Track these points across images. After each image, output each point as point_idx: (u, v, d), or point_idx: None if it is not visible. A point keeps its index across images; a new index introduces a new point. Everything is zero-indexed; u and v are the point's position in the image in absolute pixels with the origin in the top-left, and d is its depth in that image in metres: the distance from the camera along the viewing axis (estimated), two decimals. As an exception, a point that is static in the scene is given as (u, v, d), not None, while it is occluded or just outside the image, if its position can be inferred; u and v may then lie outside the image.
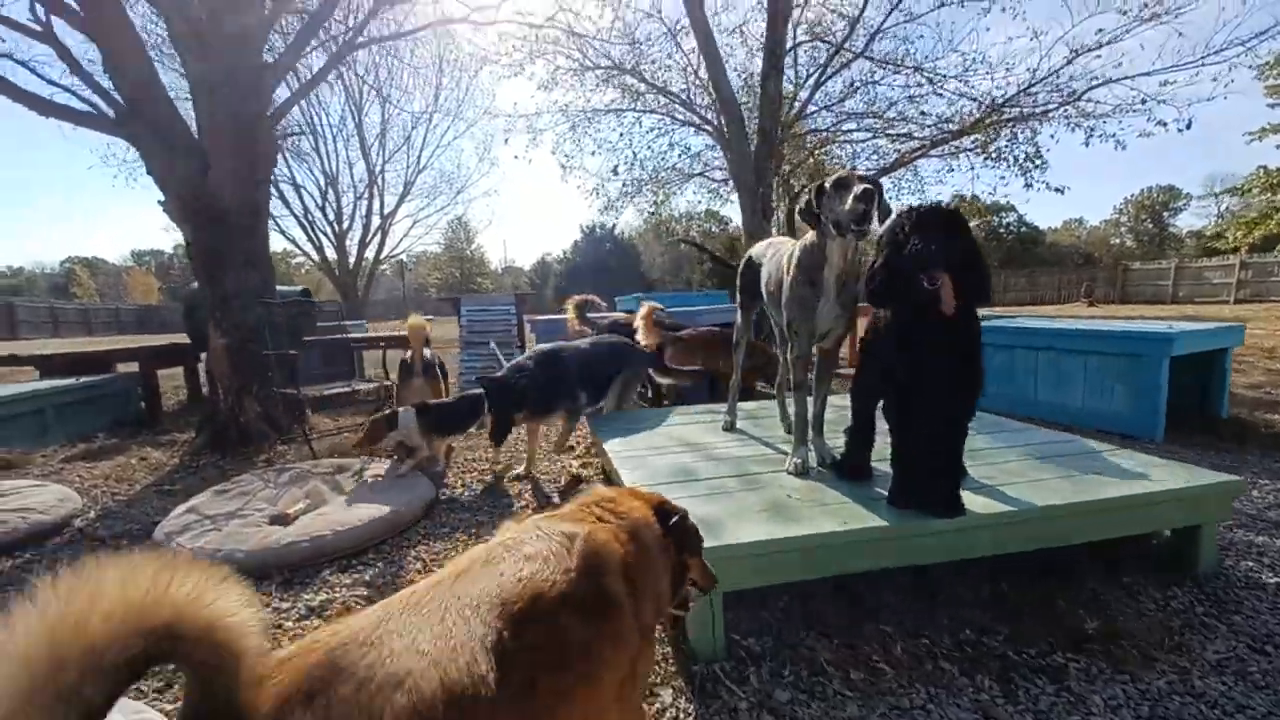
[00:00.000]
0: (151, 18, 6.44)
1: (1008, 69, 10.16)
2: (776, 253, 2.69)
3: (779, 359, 3.24)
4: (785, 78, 9.01)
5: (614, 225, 41.96)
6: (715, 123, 12.67)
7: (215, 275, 4.48)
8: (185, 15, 4.23)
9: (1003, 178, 10.45)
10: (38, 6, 3.90)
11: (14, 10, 4.64)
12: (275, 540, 2.64)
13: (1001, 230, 40.30)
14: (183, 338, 6.55)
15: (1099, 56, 10.14)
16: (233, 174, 4.42)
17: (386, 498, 3.13)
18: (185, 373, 6.81)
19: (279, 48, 5.45)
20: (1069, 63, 10.34)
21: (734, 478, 2.56)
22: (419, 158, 25.17)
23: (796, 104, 11.22)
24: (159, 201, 4.36)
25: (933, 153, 11.47)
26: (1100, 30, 10.32)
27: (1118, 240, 50.26)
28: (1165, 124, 10.37)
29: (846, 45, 9.53)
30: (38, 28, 3.85)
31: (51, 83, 4.20)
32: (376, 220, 24.65)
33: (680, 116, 12.51)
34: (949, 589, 2.20)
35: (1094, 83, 10.27)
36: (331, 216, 23.94)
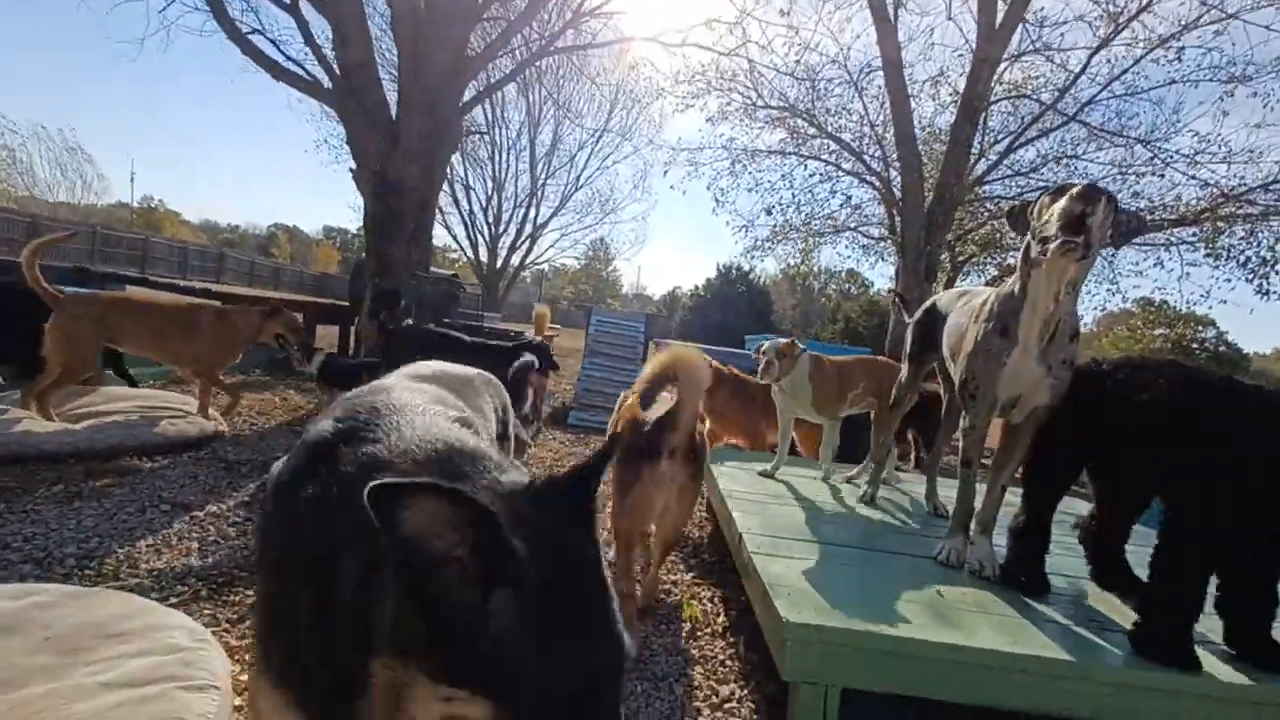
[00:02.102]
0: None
1: (1251, 157, 8.71)
2: (969, 301, 2.27)
3: (940, 422, 2.79)
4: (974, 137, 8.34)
5: (750, 269, 41.71)
6: (882, 175, 12.11)
7: (382, 244, 4.76)
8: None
9: (1228, 279, 8.91)
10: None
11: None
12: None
13: (1194, 346, 34.88)
14: (345, 303, 7.16)
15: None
16: (418, 153, 4.71)
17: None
18: (339, 331, 7.41)
19: (477, 48, 5.82)
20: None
21: (865, 550, 2.16)
22: (579, 176, 26.60)
23: (982, 164, 10.41)
24: (350, 170, 4.74)
25: (1135, 241, 10.10)
26: None
27: None
28: None
29: (1056, 108, 8.67)
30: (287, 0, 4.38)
31: (286, 55, 4.73)
32: (529, 228, 26.28)
33: (846, 167, 12.09)
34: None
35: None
36: (491, 219, 25.85)
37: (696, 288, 49.97)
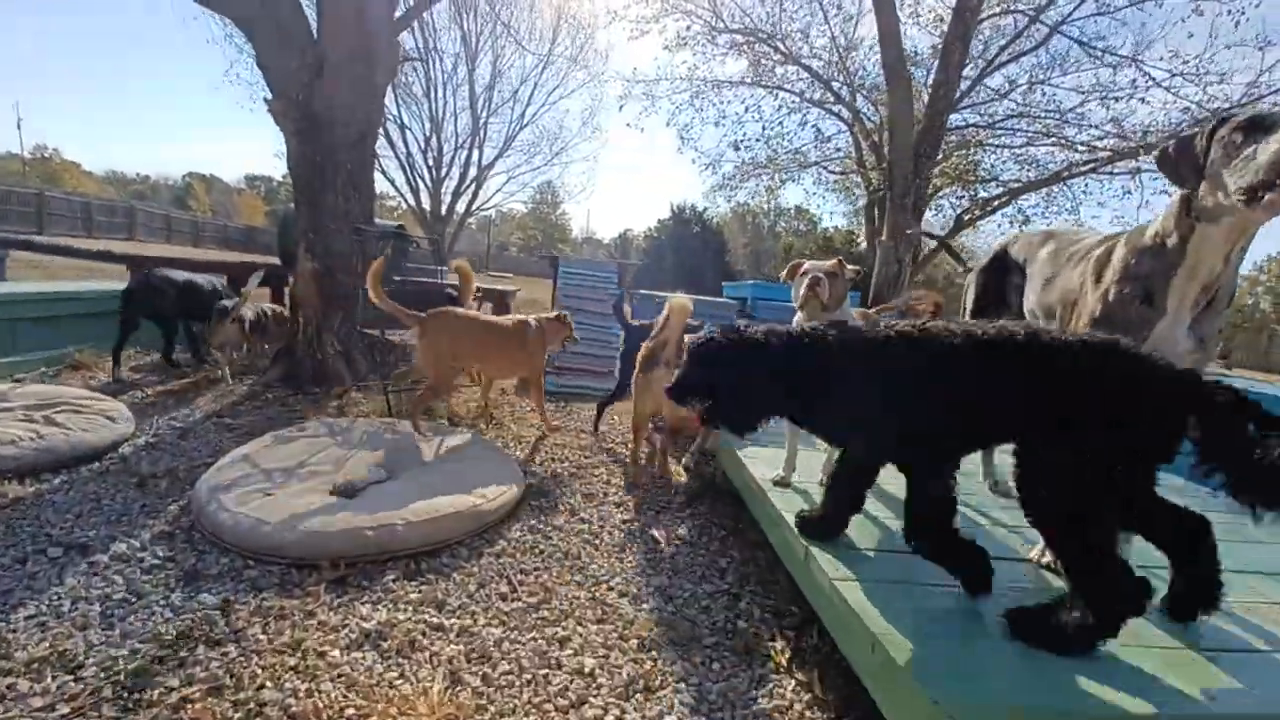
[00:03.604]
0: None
1: (1224, 77, 8.54)
2: (1062, 248, 1.85)
3: None
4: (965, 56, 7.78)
5: (705, 209, 40.80)
6: (851, 104, 11.55)
7: (313, 193, 4.01)
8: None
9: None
10: None
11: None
12: (336, 521, 2.07)
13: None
14: (277, 260, 6.28)
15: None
16: (349, 80, 3.91)
17: (470, 479, 2.54)
18: (271, 295, 6.55)
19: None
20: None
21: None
22: (524, 114, 24.91)
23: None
24: (265, 99, 3.91)
25: (1106, 170, 9.97)
26: None
27: (1251, 299, 44.37)
28: None
29: (1041, 19, 8.21)
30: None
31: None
32: (473, 172, 24.65)
33: (812, 96, 11.46)
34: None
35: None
36: (431, 162, 24.10)
37: (649, 229, 48.87)
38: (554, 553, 2.28)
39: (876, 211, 11.29)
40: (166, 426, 3.16)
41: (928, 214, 13.13)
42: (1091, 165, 10.37)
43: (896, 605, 1.43)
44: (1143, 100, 8.79)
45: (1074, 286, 1.69)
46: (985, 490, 2.39)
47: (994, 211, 11.12)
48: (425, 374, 3.36)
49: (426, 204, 24.54)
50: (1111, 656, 1.30)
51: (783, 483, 2.23)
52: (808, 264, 2.21)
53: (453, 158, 24.60)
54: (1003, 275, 2.10)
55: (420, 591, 1.91)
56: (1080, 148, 10.38)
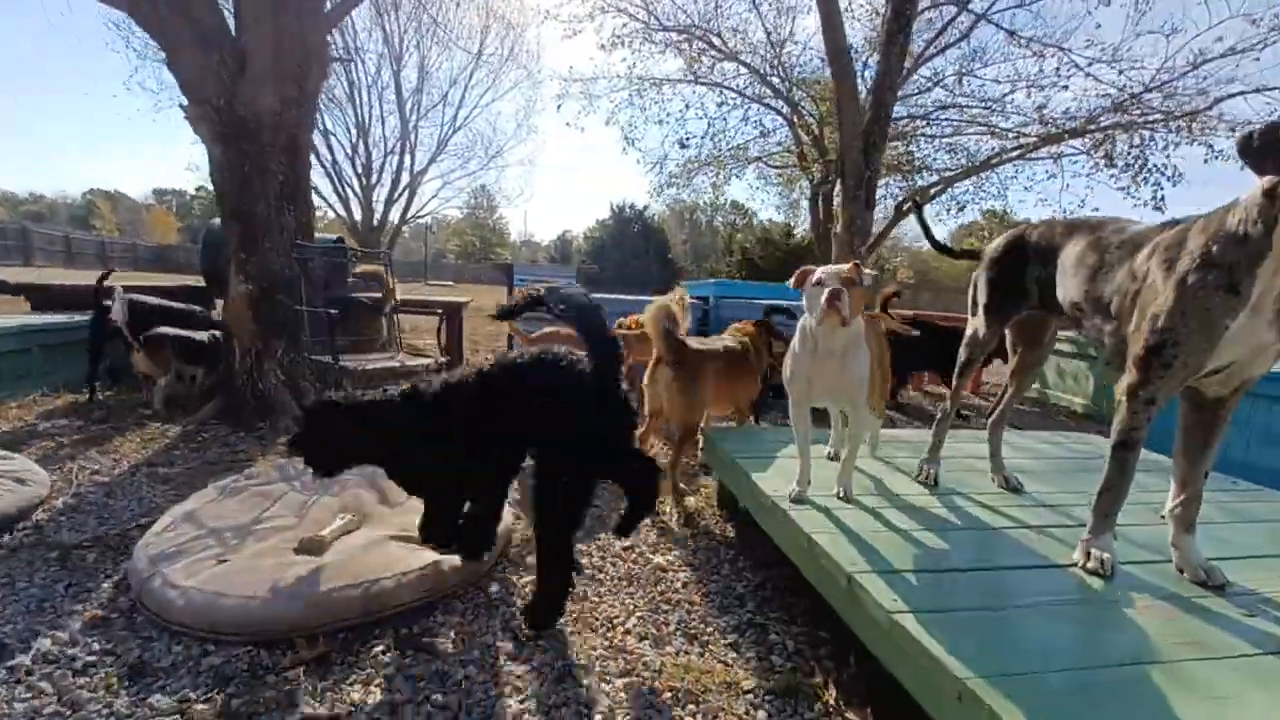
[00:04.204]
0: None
1: (1133, 64, 9.04)
2: (1106, 236, 1.75)
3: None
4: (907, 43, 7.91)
5: (645, 207, 40.77)
6: (790, 98, 11.66)
7: (244, 207, 3.62)
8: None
9: (1124, 187, 9.35)
10: None
11: None
12: (310, 586, 1.80)
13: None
14: (198, 280, 5.73)
15: (1237, 66, 9.05)
16: (275, 81, 3.55)
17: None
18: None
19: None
20: (1195, 67, 9.28)
21: (990, 571, 1.69)
22: (455, 116, 24.17)
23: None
24: (181, 106, 3.50)
25: (1032, 155, 10.42)
26: (1219, 39, 9.22)
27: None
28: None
29: (969, 8, 8.47)
30: None
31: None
32: (406, 178, 23.71)
33: (749, 92, 11.50)
34: None
35: (1230, 92, 9.20)
36: (360, 169, 23.04)
37: (589, 230, 48.54)
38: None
39: (821, 204, 11.44)
40: (89, 483, 2.76)
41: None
42: (1020, 151, 10.82)
43: (969, 640, 1.30)
44: (1065, 88, 9.20)
45: (1135, 275, 1.61)
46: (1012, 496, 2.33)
47: (931, 200, 11.47)
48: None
49: (358, 213, 23.49)
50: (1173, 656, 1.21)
51: (800, 499, 2.09)
52: (820, 272, 1.94)
53: (383, 164, 23.65)
54: (1021, 266, 2.02)
55: (418, 662, 1.67)
56: (1010, 135, 10.81)
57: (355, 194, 23.36)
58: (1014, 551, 1.82)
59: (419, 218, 27.64)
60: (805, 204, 13.50)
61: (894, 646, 1.39)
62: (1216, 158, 9.36)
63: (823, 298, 1.86)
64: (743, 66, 11.04)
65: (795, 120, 11.79)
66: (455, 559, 2.04)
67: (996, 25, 8.84)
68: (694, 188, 13.19)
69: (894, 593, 1.50)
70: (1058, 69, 9.08)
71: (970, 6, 9.14)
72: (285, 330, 3.72)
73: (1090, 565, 1.66)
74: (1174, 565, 1.69)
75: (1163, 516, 1.76)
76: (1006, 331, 2.26)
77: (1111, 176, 9.95)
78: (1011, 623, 1.40)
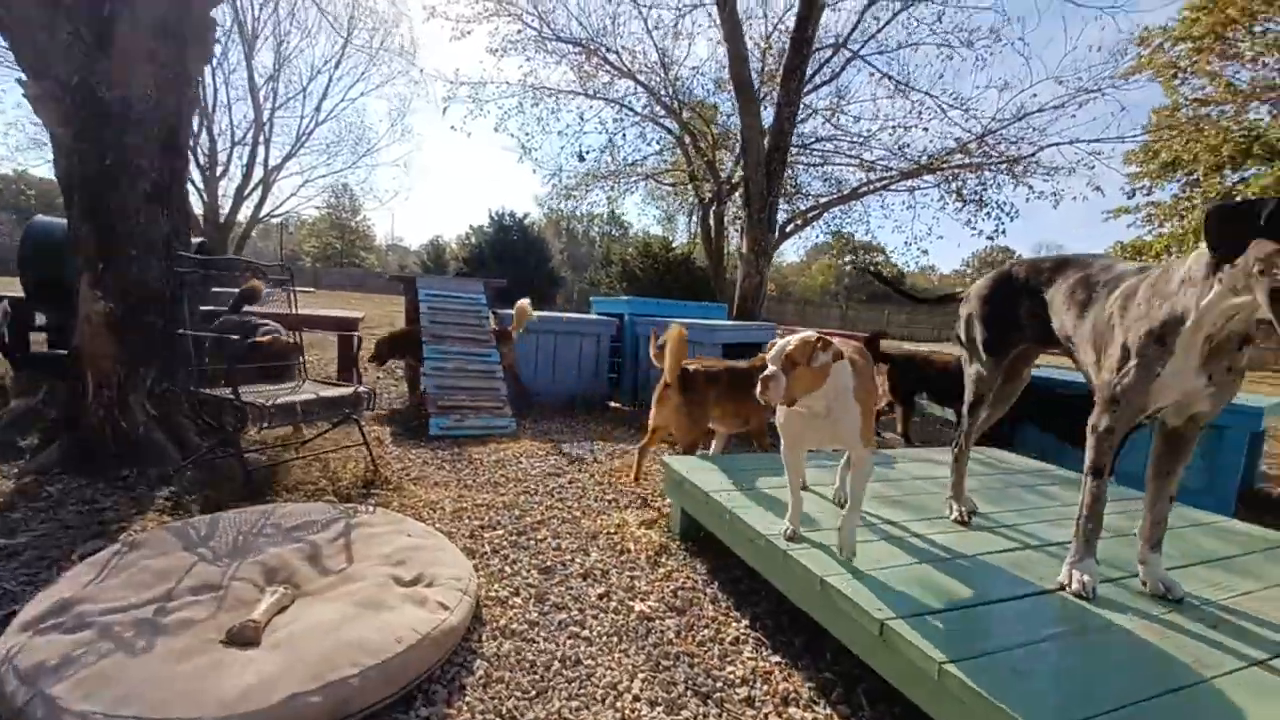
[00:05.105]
0: None
1: (974, 114, 10.34)
2: (1094, 274, 1.90)
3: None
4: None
5: (526, 215, 39.87)
6: (681, 117, 11.98)
7: (103, 208, 2.98)
8: None
9: (968, 221, 10.61)
10: None
11: None
12: (256, 691, 1.46)
13: (872, 269, 42.77)
14: (15, 287, 4.66)
15: (1058, 119, 10.65)
16: (148, 59, 2.97)
17: (407, 573, 2.02)
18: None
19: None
20: (1018, 119, 10.79)
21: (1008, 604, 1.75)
22: (319, 108, 22.26)
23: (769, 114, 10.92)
24: (19, 81, 2.82)
25: (895, 187, 11.54)
26: (1034, 96, 10.87)
27: (960, 290, 54.85)
28: (1100, 189, 11.17)
29: (847, 46, 9.26)
30: None
31: None
32: (260, 172, 21.38)
33: (648, 112, 11.67)
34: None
35: (1045, 143, 10.76)
36: (204, 160, 20.41)
37: (467, 236, 46.58)
38: (548, 663, 1.87)
39: (712, 222, 11.86)
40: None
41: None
42: (884, 183, 11.95)
43: (1022, 684, 1.32)
44: (925, 129, 10.30)
45: (1105, 316, 1.77)
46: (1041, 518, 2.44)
47: (810, 223, 12.31)
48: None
49: (199, 208, 20.80)
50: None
51: (795, 538, 2.06)
52: (773, 346, 1.90)
53: (230, 154, 21.18)
54: (1014, 301, 2.15)
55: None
56: (875, 167, 11.89)
57: (195, 185, 20.70)
58: (1003, 583, 1.90)
59: (273, 216, 25.05)
60: (683, 219, 13.99)
61: (948, 696, 1.38)
62: (1037, 198, 11.00)
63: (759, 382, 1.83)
64: (639, 85, 11.17)
65: (687, 140, 12.14)
66: (428, 628, 1.77)
67: (866, 61, 9.72)
68: (591, 201, 13.13)
69: (932, 639, 1.49)
70: (919, 112, 10.16)
71: (847, 47, 9.96)
72: (158, 357, 3.11)
73: (1075, 588, 1.78)
74: (1140, 579, 1.86)
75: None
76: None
77: (957, 210, 11.28)
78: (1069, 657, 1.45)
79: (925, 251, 11.06)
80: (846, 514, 1.97)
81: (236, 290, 3.61)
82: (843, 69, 11.11)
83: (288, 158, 22.33)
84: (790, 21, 10.23)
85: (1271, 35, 17.81)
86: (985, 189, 10.40)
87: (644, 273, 33.69)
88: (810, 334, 1.90)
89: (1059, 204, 10.71)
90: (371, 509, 2.65)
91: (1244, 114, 19.00)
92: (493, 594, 2.23)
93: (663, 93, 11.73)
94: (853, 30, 9.85)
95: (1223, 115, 19.22)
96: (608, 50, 11.67)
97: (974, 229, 11.59)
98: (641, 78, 11.47)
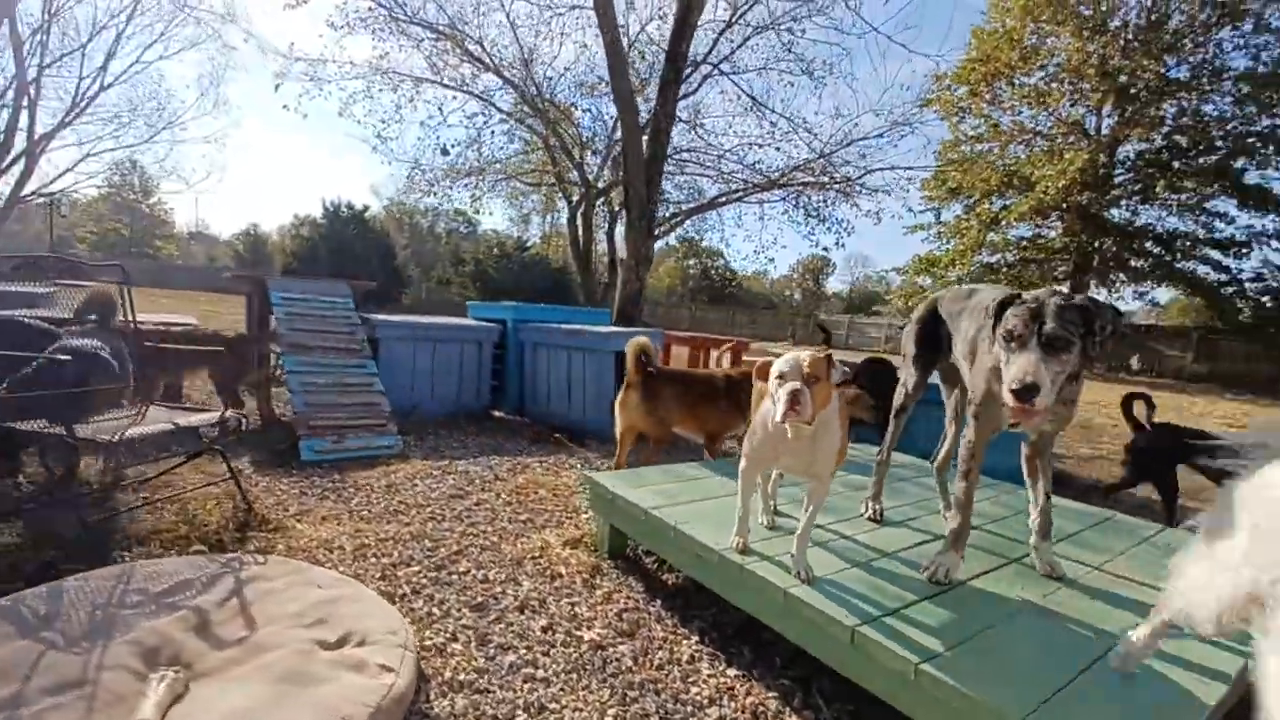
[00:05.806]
0: None
1: (815, 138, 11.42)
2: (974, 305, 2.17)
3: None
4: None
5: (365, 207, 36.77)
6: (547, 115, 11.82)
7: None
8: None
9: (811, 233, 11.67)
10: None
11: None
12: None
13: (713, 272, 45.75)
14: None
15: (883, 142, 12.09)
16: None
17: (330, 634, 1.76)
18: None
19: None
20: (845, 146, 12.09)
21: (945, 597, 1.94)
22: (104, 67, 18.65)
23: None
24: None
25: (747, 199, 12.37)
26: (856, 124, 12.35)
27: (789, 292, 60.82)
28: (912, 209, 12.88)
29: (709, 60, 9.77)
30: None
31: None
32: (23, 141, 17.38)
33: (515, 111, 11.32)
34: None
35: (872, 167, 12.17)
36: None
37: (294, 227, 41.87)
38: (510, 714, 1.73)
39: (581, 225, 11.84)
40: None
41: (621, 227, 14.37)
42: (739, 195, 12.76)
43: (1006, 688, 1.46)
44: (777, 148, 11.18)
45: (973, 337, 2.08)
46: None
47: (674, 229, 12.78)
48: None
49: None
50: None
51: (746, 550, 2.11)
52: (781, 363, 1.81)
53: (-22, 117, 17.07)
54: (935, 327, 2.43)
55: None
56: (731, 179, 12.66)
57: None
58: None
59: (42, 194, 20.58)
60: (536, 219, 13.92)
61: (925, 695, 1.49)
62: (864, 216, 12.44)
63: (782, 398, 1.74)
64: (504, 80, 10.81)
65: (553, 142, 12.00)
66: (376, 697, 1.55)
67: (727, 76, 10.34)
68: (456, 199, 12.48)
69: (899, 641, 1.60)
70: (772, 132, 10.99)
71: (708, 61, 10.52)
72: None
73: (939, 575, 1.98)
74: (1033, 561, 2.16)
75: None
76: (944, 384, 2.66)
77: (800, 224, 12.38)
78: (1002, 644, 1.62)
79: (772, 260, 12.06)
80: (799, 538, 1.98)
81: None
82: (701, 84, 11.67)
83: (62, 125, 18.43)
84: (655, 33, 10.56)
85: (1026, 88, 21.76)
86: (826, 205, 11.55)
87: (499, 273, 32.71)
88: (808, 352, 1.86)
89: (880, 221, 12.18)
90: (261, 559, 2.26)
91: (1005, 152, 23.03)
92: (428, 642, 2.02)
93: (529, 90, 11.48)
94: (709, 50, 10.38)
95: (990, 151, 23.17)
96: (468, 39, 11.16)
97: (813, 241, 12.79)
98: (506, 74, 11.11)
